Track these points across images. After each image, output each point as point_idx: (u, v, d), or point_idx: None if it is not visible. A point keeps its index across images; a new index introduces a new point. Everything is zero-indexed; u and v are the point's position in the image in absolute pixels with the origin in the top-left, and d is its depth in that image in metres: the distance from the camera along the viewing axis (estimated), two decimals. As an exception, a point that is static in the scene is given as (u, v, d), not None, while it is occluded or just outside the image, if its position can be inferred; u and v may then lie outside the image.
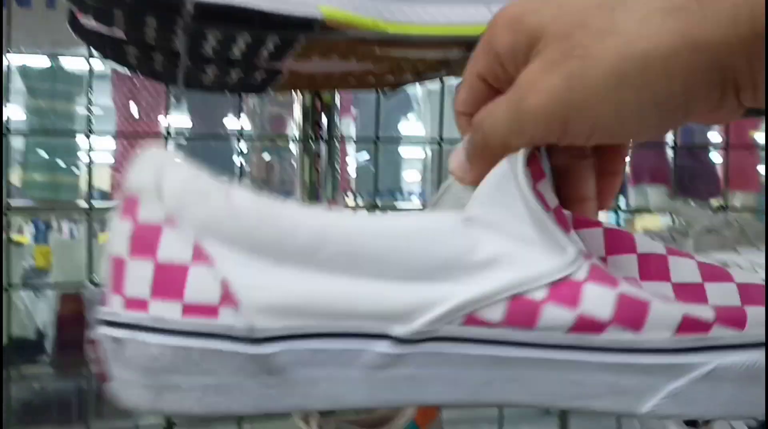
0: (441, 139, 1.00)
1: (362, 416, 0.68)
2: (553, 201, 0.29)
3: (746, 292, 0.29)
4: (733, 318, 0.28)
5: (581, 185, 0.32)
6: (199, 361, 0.27)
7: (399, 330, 0.28)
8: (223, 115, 2.45)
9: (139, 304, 0.28)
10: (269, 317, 0.27)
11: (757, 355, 0.28)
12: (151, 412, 0.28)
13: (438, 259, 0.28)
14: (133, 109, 2.38)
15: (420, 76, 0.62)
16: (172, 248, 0.27)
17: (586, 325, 0.27)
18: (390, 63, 0.58)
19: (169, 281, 0.27)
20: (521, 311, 0.27)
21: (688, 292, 0.29)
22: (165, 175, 0.28)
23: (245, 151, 2.38)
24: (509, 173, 0.28)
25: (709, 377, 0.28)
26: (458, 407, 0.29)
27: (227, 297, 0.27)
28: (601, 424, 0.89)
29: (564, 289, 0.28)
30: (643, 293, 0.28)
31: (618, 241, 0.30)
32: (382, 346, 0.28)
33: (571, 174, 0.32)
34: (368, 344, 0.28)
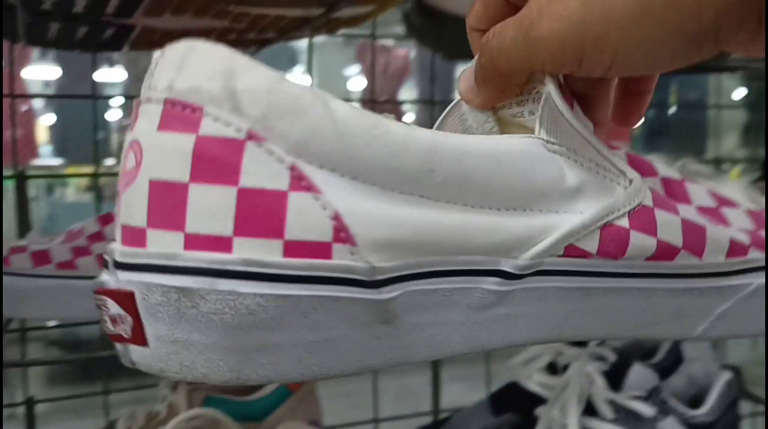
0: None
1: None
2: (589, 125, 0.28)
3: (756, 218, 0.32)
4: (759, 241, 0.30)
5: (597, 110, 0.31)
6: (309, 312, 0.21)
7: (509, 264, 0.25)
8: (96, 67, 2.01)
9: (215, 244, 0.21)
10: (386, 255, 0.22)
11: (781, 274, 0.30)
12: (226, 382, 0.22)
13: (538, 186, 0.26)
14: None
15: (283, 34, 0.58)
16: (262, 171, 0.21)
17: (663, 252, 0.27)
18: (249, 20, 0.54)
19: (262, 213, 0.21)
20: (614, 240, 0.27)
21: (713, 216, 0.31)
22: (239, 77, 0.21)
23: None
24: (552, 105, 0.27)
25: (750, 297, 0.30)
26: (535, 344, 0.27)
27: (341, 232, 0.22)
28: (472, 371, 0.90)
29: (642, 217, 0.27)
30: (699, 218, 0.29)
31: (640, 164, 0.30)
32: (491, 283, 0.25)
33: (586, 98, 0.31)
34: (478, 282, 0.25)
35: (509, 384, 0.67)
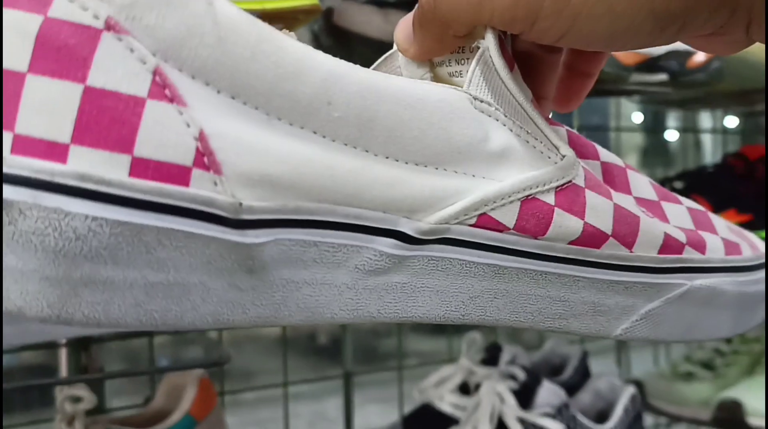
0: None
1: (134, 413, 0.57)
2: (527, 92, 0.25)
3: (696, 217, 0.29)
4: (697, 242, 0.27)
5: (542, 82, 0.28)
6: (153, 247, 0.18)
7: (409, 226, 0.22)
8: None
9: (48, 150, 0.17)
10: (259, 193, 0.19)
11: (715, 280, 0.27)
12: (44, 320, 0.18)
13: (454, 144, 0.22)
14: None
15: None
16: (118, 69, 0.17)
17: (588, 237, 0.24)
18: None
19: (109, 120, 0.17)
20: (535, 216, 0.23)
21: (652, 209, 0.28)
22: None
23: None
24: (488, 62, 0.23)
25: (680, 299, 0.27)
26: (436, 324, 0.24)
27: (205, 156, 0.18)
28: (384, 393, 0.87)
29: (571, 196, 0.24)
30: (635, 208, 0.26)
31: (582, 146, 0.27)
32: (386, 245, 0.21)
33: (532, 66, 0.28)
34: (371, 241, 0.21)
35: (422, 406, 0.66)
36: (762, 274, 0.29)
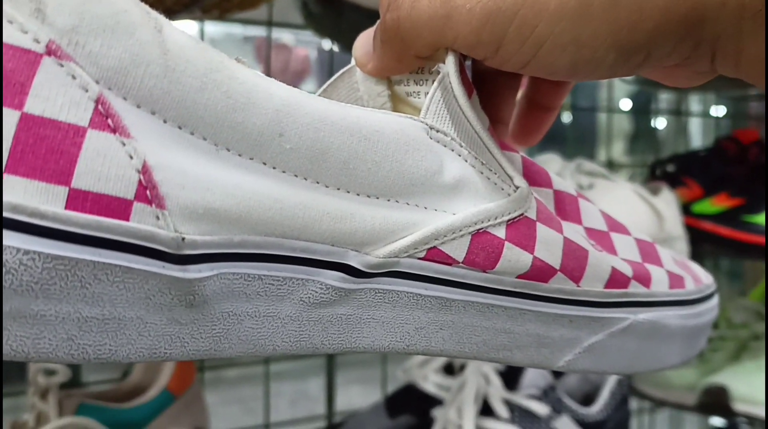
0: None
1: (109, 388, 0.56)
2: (485, 120, 0.25)
3: (643, 249, 0.29)
4: (642, 275, 0.28)
5: (500, 105, 0.28)
6: (88, 282, 0.17)
7: (358, 259, 0.21)
8: None
9: None
10: (203, 226, 0.18)
11: (658, 314, 0.28)
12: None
13: (408, 176, 0.22)
14: None
15: (171, 15, 0.52)
16: (57, 96, 0.17)
17: (537, 271, 0.24)
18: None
19: (47, 150, 0.17)
20: (485, 249, 0.23)
21: (600, 240, 0.28)
22: None
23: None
24: (447, 88, 0.23)
25: (623, 333, 0.27)
26: (379, 353, 0.24)
27: (147, 189, 0.17)
28: (367, 374, 0.86)
29: (522, 229, 0.24)
30: (584, 241, 0.26)
31: (535, 173, 0.27)
32: (333, 279, 0.21)
33: (491, 89, 0.28)
34: (317, 274, 0.21)
35: (406, 386, 0.66)
36: (703, 306, 0.30)
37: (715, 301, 0.31)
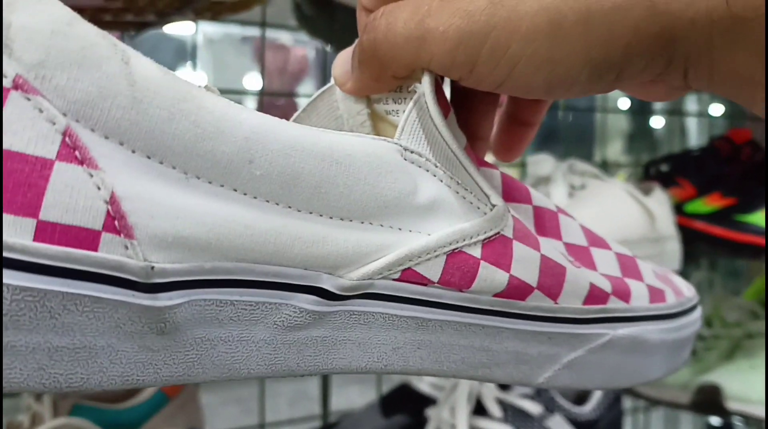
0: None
1: (104, 390, 0.56)
2: (462, 139, 0.25)
3: (624, 263, 0.29)
4: (622, 291, 0.28)
5: (479, 121, 0.28)
6: (58, 313, 0.17)
7: (331, 282, 0.21)
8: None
9: None
10: (173, 255, 0.19)
11: (638, 329, 0.28)
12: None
13: (382, 198, 0.22)
14: None
15: (164, 17, 0.53)
16: (25, 130, 0.17)
17: (514, 289, 0.25)
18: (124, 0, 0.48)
19: (14, 183, 0.17)
20: (460, 269, 0.23)
21: (580, 256, 0.28)
22: (18, 9, 0.17)
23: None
24: (423, 107, 0.23)
25: (603, 348, 0.27)
26: (356, 373, 0.24)
27: (116, 220, 0.18)
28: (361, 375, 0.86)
29: (498, 248, 0.24)
30: (561, 258, 0.26)
31: (515, 189, 0.27)
32: (306, 302, 0.21)
33: (469, 106, 0.28)
34: (290, 298, 0.21)
35: (400, 386, 0.66)
36: (685, 320, 0.30)
37: (697, 313, 0.31)
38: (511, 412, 0.55)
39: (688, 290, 0.31)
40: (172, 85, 0.18)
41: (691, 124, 1.28)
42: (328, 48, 0.74)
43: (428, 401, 0.62)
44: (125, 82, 0.18)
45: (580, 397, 0.63)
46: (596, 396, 0.62)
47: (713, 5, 0.20)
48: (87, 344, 0.18)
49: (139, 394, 0.54)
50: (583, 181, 0.70)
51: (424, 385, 0.64)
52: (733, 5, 0.20)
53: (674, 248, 0.70)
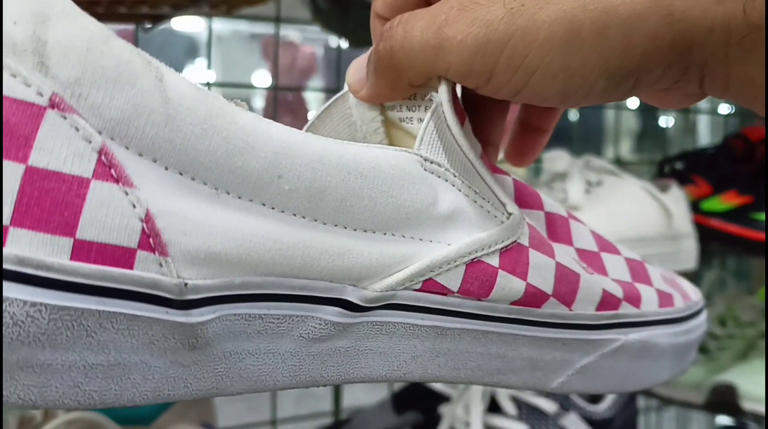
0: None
1: None
2: (477, 147, 0.25)
3: (633, 268, 0.30)
4: (633, 296, 0.28)
5: (490, 129, 0.28)
6: (94, 331, 0.17)
7: (355, 294, 0.22)
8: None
9: None
10: (205, 271, 0.19)
11: (648, 334, 0.28)
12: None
13: (404, 210, 0.22)
14: None
15: (179, 10, 0.52)
16: (61, 149, 0.17)
17: (530, 297, 0.25)
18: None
19: (51, 202, 0.17)
20: (479, 279, 0.24)
21: (592, 261, 0.28)
22: (53, 26, 0.17)
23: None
24: (440, 118, 0.23)
25: (614, 353, 0.28)
26: (376, 382, 0.24)
27: (150, 237, 0.18)
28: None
29: (515, 257, 0.25)
30: (575, 265, 0.27)
31: (527, 195, 0.27)
32: (331, 314, 0.21)
33: (482, 112, 0.28)
34: (316, 310, 0.21)
35: (412, 383, 0.66)
36: (692, 323, 0.30)
37: (703, 317, 0.31)
38: (525, 410, 0.56)
39: (694, 294, 0.31)
40: (204, 101, 0.19)
41: (702, 122, 1.28)
42: (342, 43, 0.74)
43: (441, 398, 0.62)
44: (159, 99, 0.18)
45: (595, 396, 0.63)
46: (611, 395, 0.62)
47: (730, 14, 0.20)
48: (121, 361, 0.18)
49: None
50: (599, 178, 0.70)
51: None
52: (750, 14, 0.20)
53: (691, 246, 0.70)
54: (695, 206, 0.78)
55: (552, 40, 0.21)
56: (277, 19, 0.70)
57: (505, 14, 0.21)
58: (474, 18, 0.21)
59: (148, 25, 0.57)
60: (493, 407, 0.56)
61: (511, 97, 0.23)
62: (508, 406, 0.56)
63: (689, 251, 0.70)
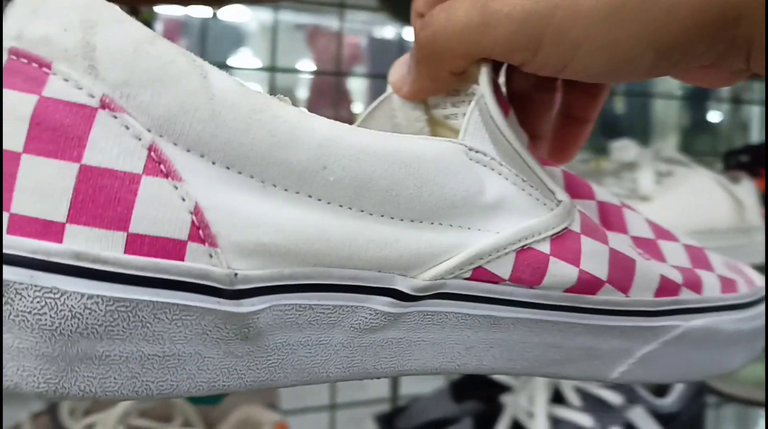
0: (274, 68, 0.82)
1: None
2: (523, 137, 0.25)
3: (692, 254, 0.29)
4: (693, 281, 0.28)
5: (537, 122, 0.28)
6: (149, 321, 0.18)
7: (405, 283, 0.22)
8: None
9: (43, 230, 0.17)
10: (255, 262, 0.19)
11: (712, 320, 0.28)
12: (40, 396, 0.18)
13: (450, 198, 0.22)
14: None
15: None
16: (113, 147, 0.18)
17: (584, 284, 0.25)
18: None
19: (105, 199, 0.17)
20: (530, 266, 0.24)
21: (648, 248, 0.28)
22: (101, 32, 0.18)
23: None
24: (483, 108, 0.23)
25: (677, 340, 0.27)
26: (431, 375, 0.24)
27: (200, 229, 0.18)
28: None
29: (566, 243, 0.24)
30: (631, 251, 0.26)
31: (577, 186, 0.27)
32: (381, 304, 0.22)
33: (527, 107, 0.28)
34: (366, 300, 0.21)
35: None
36: (759, 309, 0.29)
37: (770, 303, 0.30)
38: (590, 402, 0.55)
39: (759, 280, 0.30)
40: (248, 97, 0.19)
41: (754, 114, 1.23)
42: (405, 31, 0.74)
43: (501, 388, 0.62)
44: (204, 96, 0.18)
45: (661, 389, 0.62)
46: (678, 388, 0.61)
47: None
48: (176, 352, 0.19)
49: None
50: (669, 169, 0.68)
51: (496, 372, 0.63)
52: None
53: (761, 240, 0.68)
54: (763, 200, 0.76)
55: (597, 13, 0.21)
56: (342, 5, 0.70)
57: None
58: None
59: (217, 9, 0.58)
60: (557, 398, 0.56)
61: (557, 72, 0.23)
62: (573, 397, 0.55)
63: (760, 244, 0.67)
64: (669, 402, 0.59)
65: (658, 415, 0.57)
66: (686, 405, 0.60)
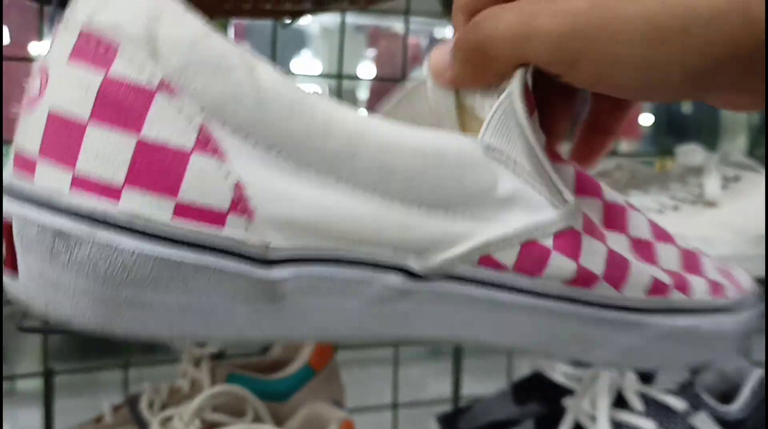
0: (340, 75, 0.82)
1: (254, 360, 0.60)
2: (541, 137, 0.27)
3: (687, 258, 0.31)
4: (682, 284, 0.30)
5: (555, 122, 0.30)
6: (188, 278, 0.21)
7: (416, 264, 0.24)
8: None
9: (103, 190, 0.20)
10: (285, 235, 0.22)
11: (697, 321, 0.30)
12: (93, 328, 0.21)
13: (465, 191, 0.24)
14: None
15: (320, 5, 0.54)
16: (167, 125, 0.20)
17: (582, 278, 0.27)
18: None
19: (158, 169, 0.20)
20: (532, 257, 0.26)
21: (643, 250, 0.30)
22: (164, 23, 0.20)
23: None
24: (510, 106, 0.25)
25: (661, 336, 0.29)
26: (433, 343, 0.27)
27: (240, 203, 0.21)
28: (493, 361, 0.87)
29: (568, 240, 0.26)
30: (625, 251, 0.28)
31: (587, 184, 0.29)
32: (394, 280, 0.24)
33: (547, 107, 0.30)
34: (380, 276, 0.24)
35: (533, 374, 0.66)
36: (745, 314, 0.31)
37: (757, 309, 0.32)
38: (653, 407, 0.54)
39: (749, 285, 0.32)
40: (290, 90, 0.21)
41: None
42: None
43: (563, 391, 0.62)
44: (251, 86, 0.21)
45: (726, 396, 0.61)
46: (744, 395, 0.60)
47: None
48: (210, 306, 0.21)
49: (288, 367, 0.58)
50: (737, 173, 0.67)
51: (558, 374, 0.63)
52: None
53: None
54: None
55: (635, 35, 0.22)
56: (407, 12, 0.71)
57: (590, 8, 0.23)
58: (560, 10, 0.23)
59: (288, 21, 0.59)
60: (620, 402, 0.55)
61: (591, 86, 0.24)
62: (635, 402, 0.54)
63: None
64: (735, 409, 0.58)
65: (724, 422, 0.56)
66: (752, 412, 0.59)
